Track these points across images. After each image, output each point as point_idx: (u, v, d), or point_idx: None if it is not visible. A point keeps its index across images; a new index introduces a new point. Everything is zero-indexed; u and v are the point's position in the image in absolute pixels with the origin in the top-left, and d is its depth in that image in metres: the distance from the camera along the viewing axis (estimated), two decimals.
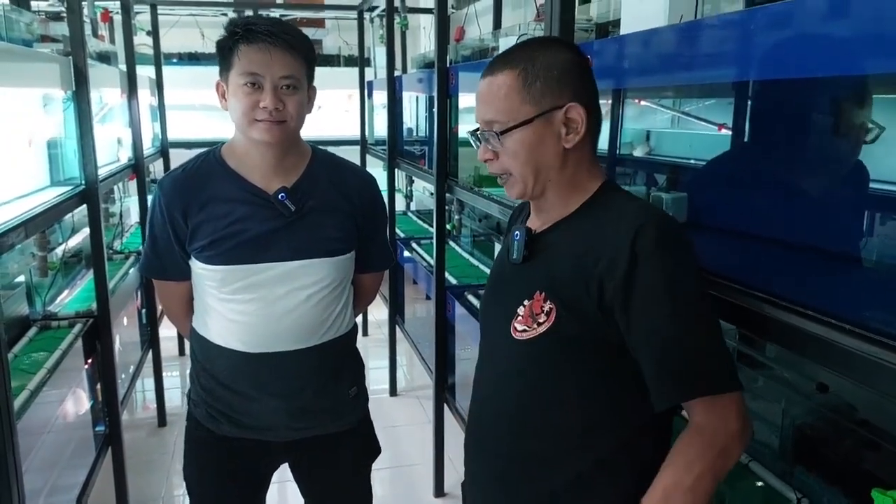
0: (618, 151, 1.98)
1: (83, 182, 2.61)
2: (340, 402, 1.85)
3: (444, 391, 3.17)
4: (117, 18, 4.82)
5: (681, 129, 1.97)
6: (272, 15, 6.61)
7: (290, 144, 1.71)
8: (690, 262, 1.16)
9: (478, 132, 1.28)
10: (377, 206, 1.88)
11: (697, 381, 1.10)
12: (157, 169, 5.07)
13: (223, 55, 1.62)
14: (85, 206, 2.62)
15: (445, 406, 3.19)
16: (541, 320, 1.21)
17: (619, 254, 1.13)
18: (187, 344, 1.99)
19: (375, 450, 1.99)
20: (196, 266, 1.73)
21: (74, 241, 3.24)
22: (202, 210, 1.68)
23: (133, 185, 4.06)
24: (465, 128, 3.16)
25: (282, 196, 1.67)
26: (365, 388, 1.95)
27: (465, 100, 3.11)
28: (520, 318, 1.24)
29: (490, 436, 1.34)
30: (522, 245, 1.27)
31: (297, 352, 1.73)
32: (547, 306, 1.20)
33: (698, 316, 1.13)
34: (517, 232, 1.30)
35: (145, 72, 4.53)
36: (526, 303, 1.24)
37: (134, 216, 4.44)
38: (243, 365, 1.73)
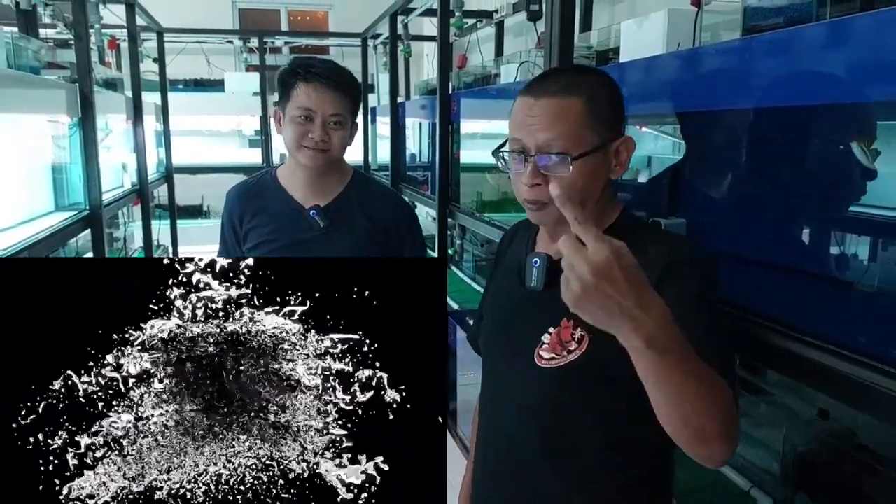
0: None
1: (87, 207, 2.63)
2: None
3: (445, 417, 3.17)
4: (124, 46, 4.87)
5: (682, 154, 1.98)
6: (277, 41, 6.70)
7: (329, 169, 1.92)
8: (714, 282, 1.14)
9: (524, 153, 1.17)
10: (401, 225, 2.06)
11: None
12: (161, 194, 5.09)
13: (283, 87, 1.84)
14: (89, 230, 2.63)
15: (447, 432, 3.18)
16: (571, 347, 1.17)
17: (652, 271, 1.04)
18: None
19: None
20: None
21: None
22: (254, 217, 1.98)
23: (137, 209, 4.08)
24: (466, 153, 3.17)
25: (313, 212, 1.91)
26: None
27: (467, 126, 3.13)
28: (545, 346, 1.20)
29: (521, 467, 1.28)
30: (544, 272, 1.22)
31: None
32: (578, 334, 1.16)
33: (719, 323, 1.10)
34: (536, 259, 1.23)
35: (151, 98, 4.57)
36: (552, 330, 1.19)
37: (138, 241, 4.45)
38: None
